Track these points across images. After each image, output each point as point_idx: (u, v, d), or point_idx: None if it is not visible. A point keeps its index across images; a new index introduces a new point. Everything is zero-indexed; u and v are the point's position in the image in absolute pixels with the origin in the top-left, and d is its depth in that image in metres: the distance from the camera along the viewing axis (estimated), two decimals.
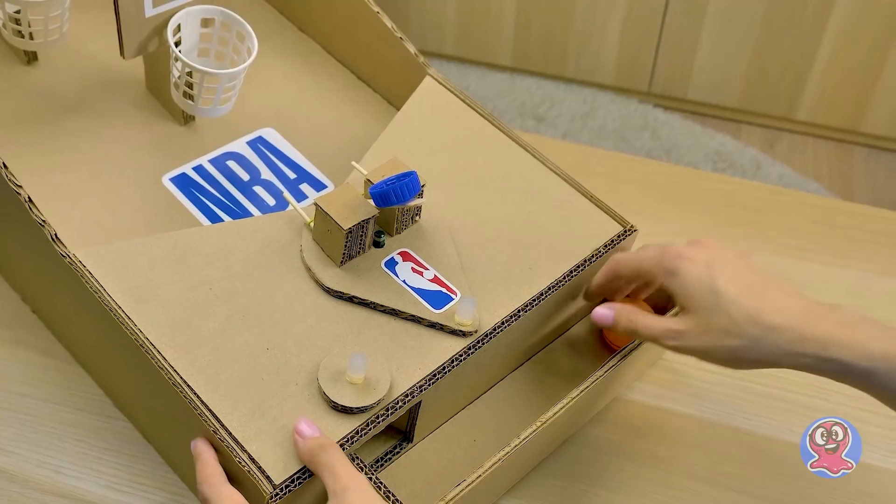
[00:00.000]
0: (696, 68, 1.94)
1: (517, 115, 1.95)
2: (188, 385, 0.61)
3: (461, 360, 0.65)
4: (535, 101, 1.98)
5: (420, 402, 0.64)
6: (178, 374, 0.61)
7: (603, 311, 0.68)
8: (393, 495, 0.60)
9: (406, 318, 0.66)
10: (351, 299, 0.66)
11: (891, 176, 1.92)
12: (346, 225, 0.65)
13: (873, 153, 1.96)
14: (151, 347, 0.62)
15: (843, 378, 0.58)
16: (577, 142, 1.89)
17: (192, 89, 0.76)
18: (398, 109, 0.85)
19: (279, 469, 0.58)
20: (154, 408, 0.68)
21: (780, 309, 0.59)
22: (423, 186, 0.68)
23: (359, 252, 0.68)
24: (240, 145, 0.81)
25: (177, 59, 0.74)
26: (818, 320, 0.58)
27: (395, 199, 0.65)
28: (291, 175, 0.80)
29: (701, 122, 2.00)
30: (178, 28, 0.75)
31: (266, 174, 0.79)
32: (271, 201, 0.77)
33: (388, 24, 0.83)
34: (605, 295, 0.73)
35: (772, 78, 1.91)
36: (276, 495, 0.57)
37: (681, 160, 1.87)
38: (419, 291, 0.67)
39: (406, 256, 0.69)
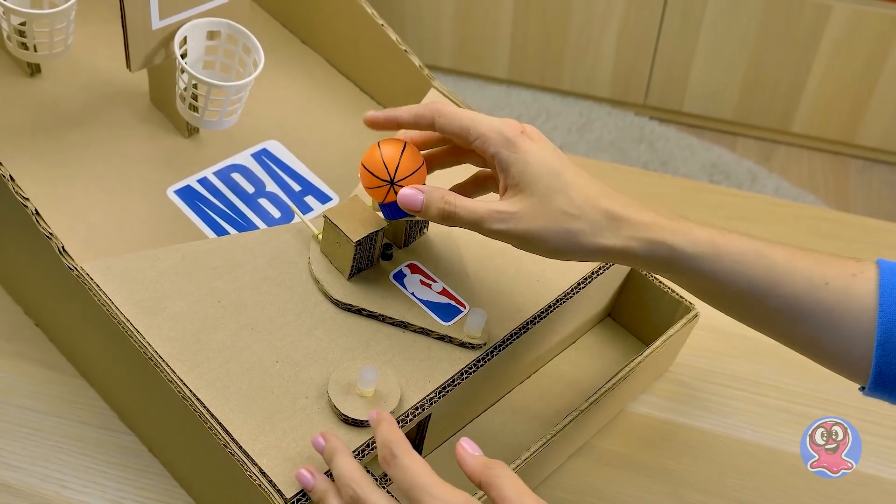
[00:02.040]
0: (692, 81, 1.95)
1: None
2: (198, 398, 0.60)
3: (470, 373, 0.65)
4: (531, 114, 1.99)
5: (430, 414, 0.64)
6: (187, 387, 0.61)
7: (410, 193, 0.60)
8: None
9: (415, 331, 0.66)
10: (360, 312, 0.66)
11: (885, 188, 1.93)
12: (356, 237, 0.65)
13: (868, 165, 1.97)
14: (160, 360, 0.62)
15: (669, 266, 0.58)
16: (573, 154, 1.89)
17: (198, 101, 0.76)
18: None
19: (290, 483, 0.57)
20: (161, 421, 0.67)
21: (614, 197, 0.59)
22: None
23: (367, 264, 0.68)
24: (244, 158, 0.81)
25: (183, 71, 0.74)
26: (647, 210, 0.58)
27: (405, 211, 0.65)
28: (296, 187, 0.80)
29: (697, 134, 2.00)
30: (185, 40, 0.75)
31: (271, 186, 0.79)
32: (276, 213, 0.77)
33: (393, 36, 0.83)
34: (388, 128, 0.64)
35: (767, 90, 1.92)
36: None
37: (677, 172, 1.88)
38: (428, 304, 0.67)
39: (414, 269, 0.69)
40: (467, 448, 0.55)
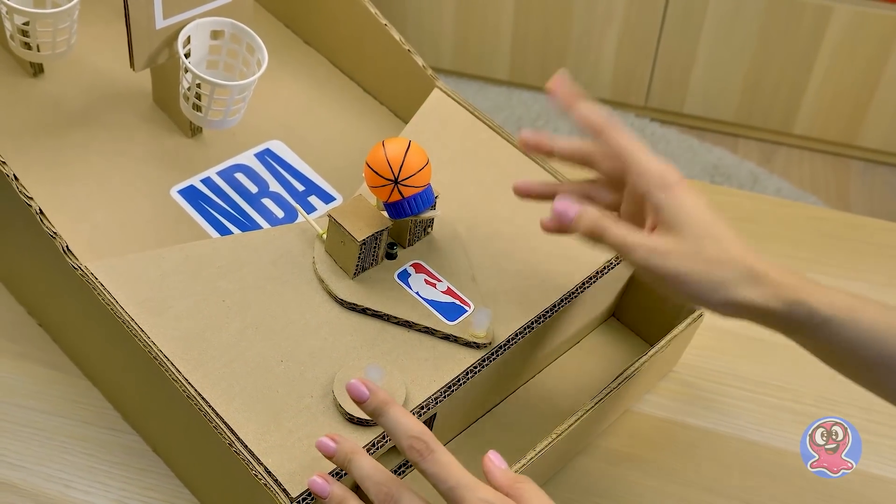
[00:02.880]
0: (693, 83, 1.95)
1: (514, 129, 1.96)
2: (203, 398, 0.60)
3: (475, 372, 0.65)
4: (532, 115, 1.99)
5: (435, 414, 0.64)
6: (192, 386, 0.60)
7: (566, 205, 0.61)
8: None
9: (420, 331, 0.66)
10: (364, 311, 0.66)
11: (887, 189, 1.93)
12: (360, 237, 0.65)
13: (869, 167, 1.97)
14: (165, 360, 0.61)
15: (803, 328, 0.58)
16: None
17: (201, 101, 0.75)
18: (405, 122, 0.85)
19: (295, 482, 0.57)
20: (166, 421, 0.67)
21: (760, 257, 0.60)
22: (436, 198, 0.68)
23: (372, 264, 0.67)
24: (248, 157, 0.81)
25: (187, 70, 0.73)
26: (789, 272, 0.59)
27: (410, 210, 0.65)
28: (300, 187, 0.80)
29: (698, 136, 2.00)
30: (188, 40, 0.75)
31: (274, 186, 0.79)
32: (280, 213, 0.77)
33: (397, 36, 0.83)
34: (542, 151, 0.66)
35: (768, 92, 1.92)
36: None
37: None
38: (432, 303, 0.67)
39: (419, 268, 0.69)
40: (495, 461, 0.56)
